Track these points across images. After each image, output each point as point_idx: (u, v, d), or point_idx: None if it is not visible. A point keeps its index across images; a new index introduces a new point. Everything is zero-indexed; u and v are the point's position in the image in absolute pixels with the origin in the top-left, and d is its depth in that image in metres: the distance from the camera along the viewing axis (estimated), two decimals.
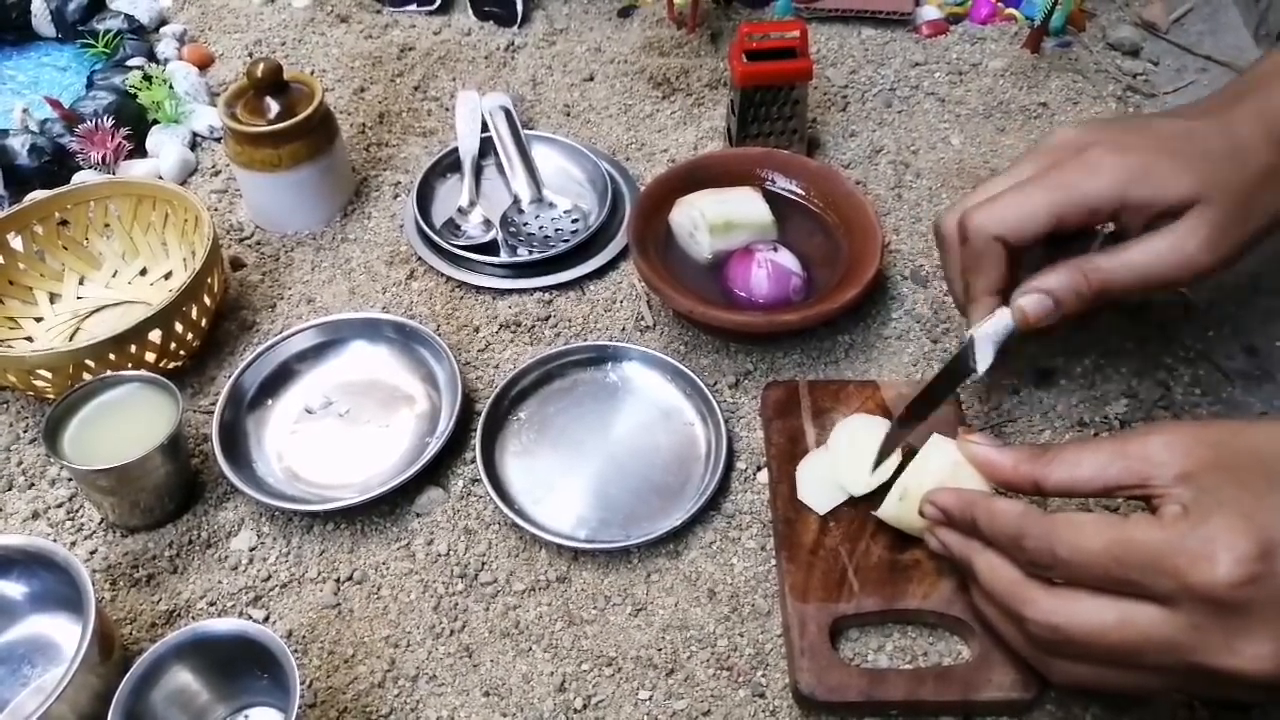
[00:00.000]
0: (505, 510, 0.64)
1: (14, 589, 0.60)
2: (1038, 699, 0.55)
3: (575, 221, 0.84)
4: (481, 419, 0.69)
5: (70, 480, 0.69)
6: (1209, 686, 0.46)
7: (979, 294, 0.62)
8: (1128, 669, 0.47)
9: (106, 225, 0.81)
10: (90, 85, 0.95)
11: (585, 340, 0.76)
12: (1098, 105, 0.92)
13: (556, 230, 0.84)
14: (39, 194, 0.82)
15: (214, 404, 0.71)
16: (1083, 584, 0.47)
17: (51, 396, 0.70)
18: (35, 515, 0.67)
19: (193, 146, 0.93)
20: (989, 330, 0.61)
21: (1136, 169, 0.58)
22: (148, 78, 0.93)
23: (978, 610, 0.54)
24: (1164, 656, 0.45)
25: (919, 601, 0.58)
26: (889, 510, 0.59)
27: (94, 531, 0.67)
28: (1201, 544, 0.44)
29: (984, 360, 0.61)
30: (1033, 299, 0.59)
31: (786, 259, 0.74)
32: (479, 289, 0.80)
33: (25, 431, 0.72)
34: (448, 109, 0.96)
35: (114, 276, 0.82)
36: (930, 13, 1.03)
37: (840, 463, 0.63)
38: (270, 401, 0.73)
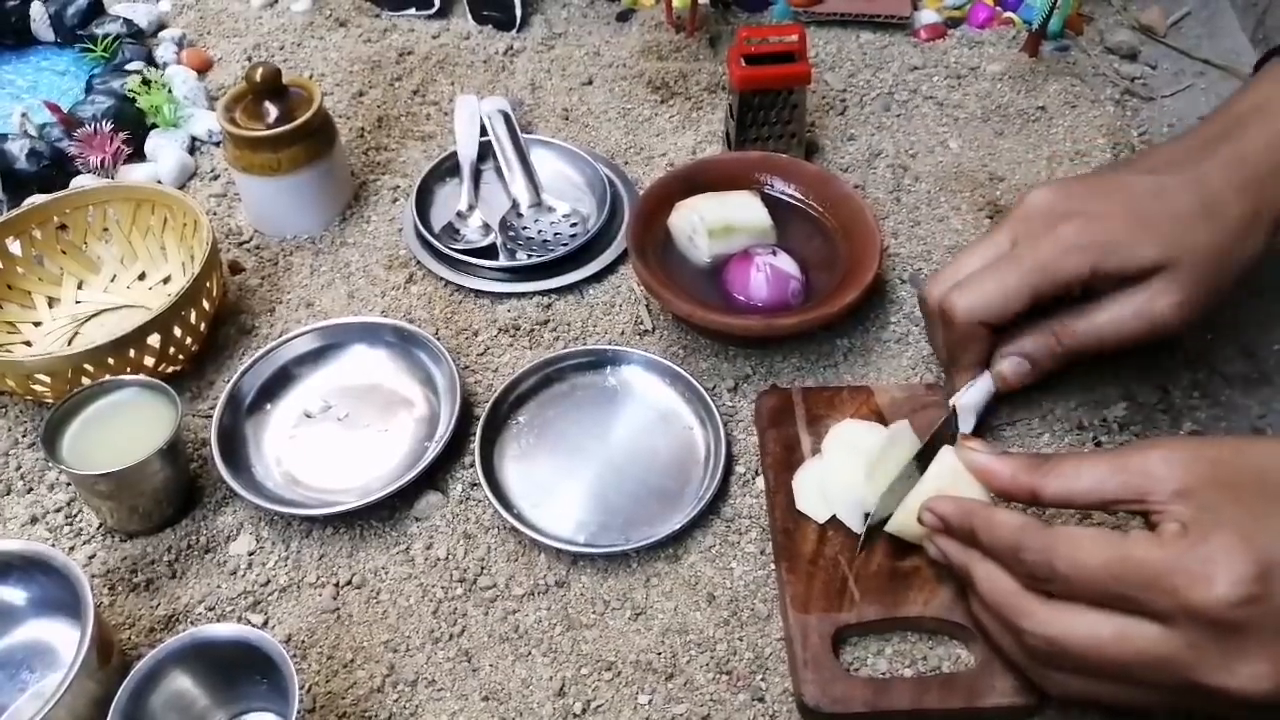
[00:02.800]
0: (504, 514, 0.64)
1: (12, 594, 0.60)
2: (1041, 705, 0.55)
3: (574, 225, 0.84)
4: (480, 423, 0.69)
5: (69, 485, 0.69)
6: (1204, 704, 0.45)
7: (963, 368, 0.66)
8: (1124, 683, 0.47)
9: (105, 230, 0.81)
10: (89, 89, 0.95)
11: (584, 344, 0.76)
12: (1095, 109, 0.93)
13: (555, 234, 0.84)
14: (37, 198, 0.82)
15: (213, 408, 0.71)
16: (1081, 599, 0.47)
17: (50, 401, 0.70)
18: (34, 520, 0.67)
19: (191, 151, 0.93)
20: (970, 400, 0.65)
21: (1107, 243, 0.59)
22: (146, 82, 0.93)
23: (976, 618, 0.54)
24: (1160, 673, 0.45)
25: (920, 609, 0.58)
26: (900, 523, 0.59)
27: (93, 536, 0.67)
28: (1199, 564, 0.44)
29: (966, 426, 0.64)
30: (1010, 363, 0.64)
31: (785, 263, 0.74)
32: (478, 293, 0.80)
33: (24, 436, 0.72)
34: (446, 113, 0.96)
35: (113, 281, 0.82)
36: (928, 17, 1.03)
37: (830, 485, 0.63)
38: (269, 406, 0.73)
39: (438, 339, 0.74)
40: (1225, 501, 0.45)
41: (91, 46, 1.00)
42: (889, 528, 0.60)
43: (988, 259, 0.63)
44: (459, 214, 0.86)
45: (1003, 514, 0.50)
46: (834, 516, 0.62)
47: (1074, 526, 0.50)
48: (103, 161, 0.87)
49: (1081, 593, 0.47)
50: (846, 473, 0.63)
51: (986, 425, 0.69)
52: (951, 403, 0.64)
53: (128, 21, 1.03)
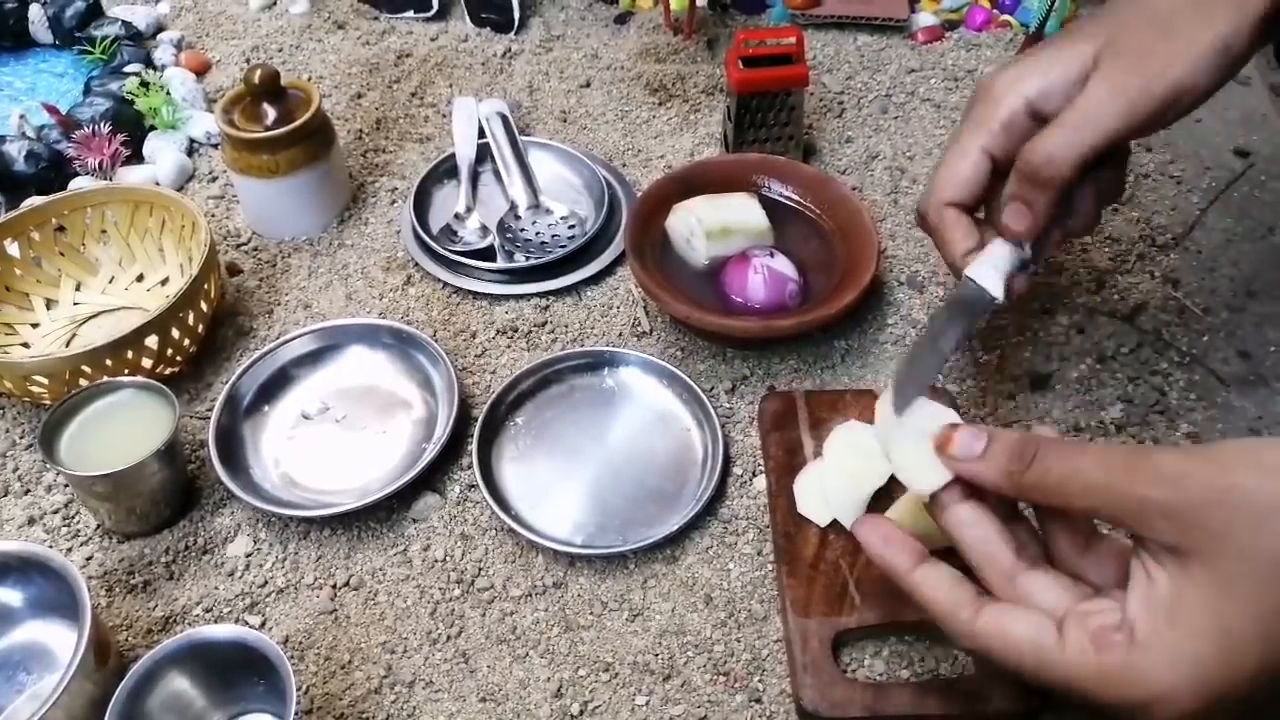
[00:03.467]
0: (502, 516, 0.64)
1: (10, 595, 0.60)
2: (1041, 710, 0.55)
3: (572, 227, 0.84)
4: (478, 425, 0.69)
5: (66, 486, 0.69)
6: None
7: (959, 255, 0.61)
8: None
9: (103, 231, 0.81)
10: (87, 91, 0.95)
11: (582, 346, 0.76)
12: None
13: (553, 236, 0.84)
14: (36, 200, 0.82)
15: (210, 410, 0.71)
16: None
17: (48, 402, 0.70)
18: (31, 521, 0.67)
19: (190, 152, 0.93)
20: (986, 264, 0.58)
21: (1035, 70, 0.57)
22: (145, 84, 0.93)
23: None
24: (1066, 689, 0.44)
25: (921, 612, 0.58)
26: (895, 519, 0.59)
27: (90, 537, 0.67)
28: (1147, 689, 0.41)
29: (994, 286, 0.58)
30: (1011, 211, 0.58)
31: (783, 265, 0.74)
32: (476, 295, 0.80)
33: (22, 437, 0.72)
34: (445, 115, 0.96)
35: (110, 282, 0.82)
36: (926, 19, 1.03)
37: (830, 487, 0.63)
38: (267, 407, 0.73)
39: (436, 340, 0.74)
40: (1215, 595, 0.40)
41: (90, 48, 1.00)
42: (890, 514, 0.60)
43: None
44: (457, 216, 0.86)
45: (932, 583, 0.48)
46: (835, 520, 0.62)
47: (1002, 618, 0.45)
48: (101, 163, 0.87)
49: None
50: (846, 475, 0.63)
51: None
52: (966, 272, 0.59)
53: (126, 24, 1.03)
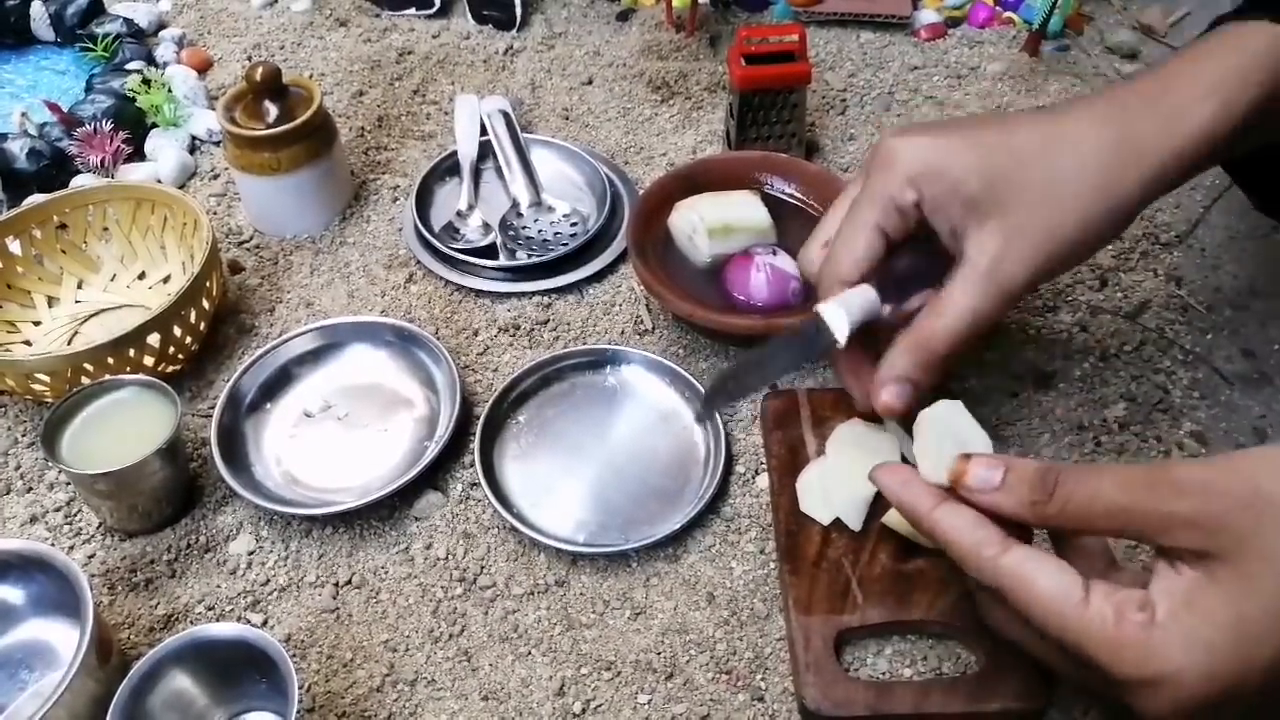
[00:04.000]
0: (504, 514, 0.64)
1: (12, 593, 0.60)
2: (1045, 709, 0.55)
3: (574, 225, 0.84)
4: (480, 423, 0.69)
5: (68, 484, 0.69)
6: (1109, 695, 0.45)
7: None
8: (1054, 655, 0.47)
9: (105, 229, 0.81)
10: (89, 89, 0.95)
11: (584, 344, 0.76)
12: None
13: (555, 234, 0.84)
14: (37, 198, 0.82)
15: (212, 408, 0.71)
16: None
17: (50, 400, 0.70)
18: (33, 519, 0.67)
19: (191, 150, 0.93)
20: (841, 300, 0.55)
21: (937, 169, 0.53)
22: (146, 81, 0.93)
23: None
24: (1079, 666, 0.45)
25: (924, 612, 0.58)
26: (897, 517, 0.59)
27: (92, 535, 0.67)
28: (1158, 667, 0.41)
29: (840, 331, 0.55)
30: (891, 391, 0.55)
31: (785, 262, 0.74)
32: (478, 293, 0.80)
33: (24, 435, 0.72)
34: (446, 113, 0.96)
35: (112, 280, 0.82)
36: (928, 16, 1.03)
37: (832, 485, 0.63)
38: (269, 405, 0.73)
39: (438, 339, 0.74)
40: (1229, 600, 0.41)
41: (91, 46, 1.00)
42: (887, 520, 0.60)
43: (838, 220, 0.58)
44: (459, 213, 0.86)
45: (953, 521, 0.47)
46: (838, 519, 0.62)
47: (1029, 561, 0.45)
48: (103, 161, 0.87)
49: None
50: (849, 473, 0.63)
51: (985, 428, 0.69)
52: (817, 309, 0.56)
53: (128, 21, 1.03)
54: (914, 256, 0.57)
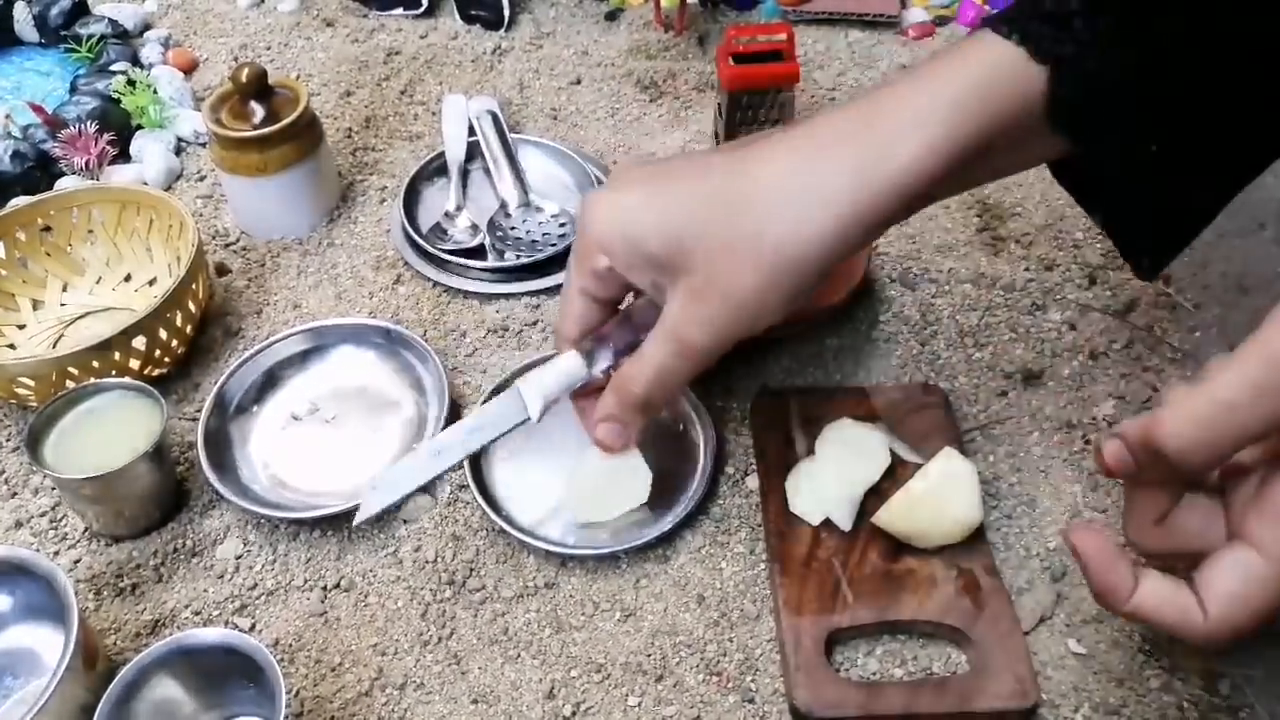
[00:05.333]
0: (493, 516, 0.64)
1: None
2: (1035, 708, 0.55)
3: (563, 225, 0.84)
4: None
5: (53, 489, 0.68)
6: None
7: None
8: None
9: (90, 231, 0.81)
10: (73, 90, 0.95)
11: None
12: None
13: (544, 234, 0.83)
14: (21, 200, 0.82)
15: (199, 411, 0.70)
16: None
17: (34, 404, 0.69)
18: (18, 524, 0.67)
19: (177, 152, 0.92)
20: (539, 378, 0.58)
21: (624, 232, 0.52)
22: (132, 82, 0.92)
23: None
24: None
25: (914, 611, 0.58)
26: (887, 517, 0.59)
27: (78, 541, 0.66)
28: None
29: (533, 408, 0.58)
30: (603, 430, 0.58)
31: None
32: (466, 294, 0.80)
33: (7, 440, 0.72)
34: (434, 113, 0.96)
35: (98, 283, 0.81)
36: (917, 15, 1.03)
37: (822, 484, 0.63)
38: (256, 408, 0.72)
39: (426, 340, 0.73)
40: None
41: (76, 47, 0.99)
42: (877, 520, 0.60)
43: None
44: (447, 214, 0.85)
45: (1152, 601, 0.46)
46: (828, 519, 0.62)
47: (1149, 603, 0.45)
48: (87, 163, 0.87)
49: None
50: (839, 473, 0.63)
51: (975, 425, 0.69)
52: (517, 383, 0.59)
53: (112, 22, 1.02)
54: (632, 316, 0.59)
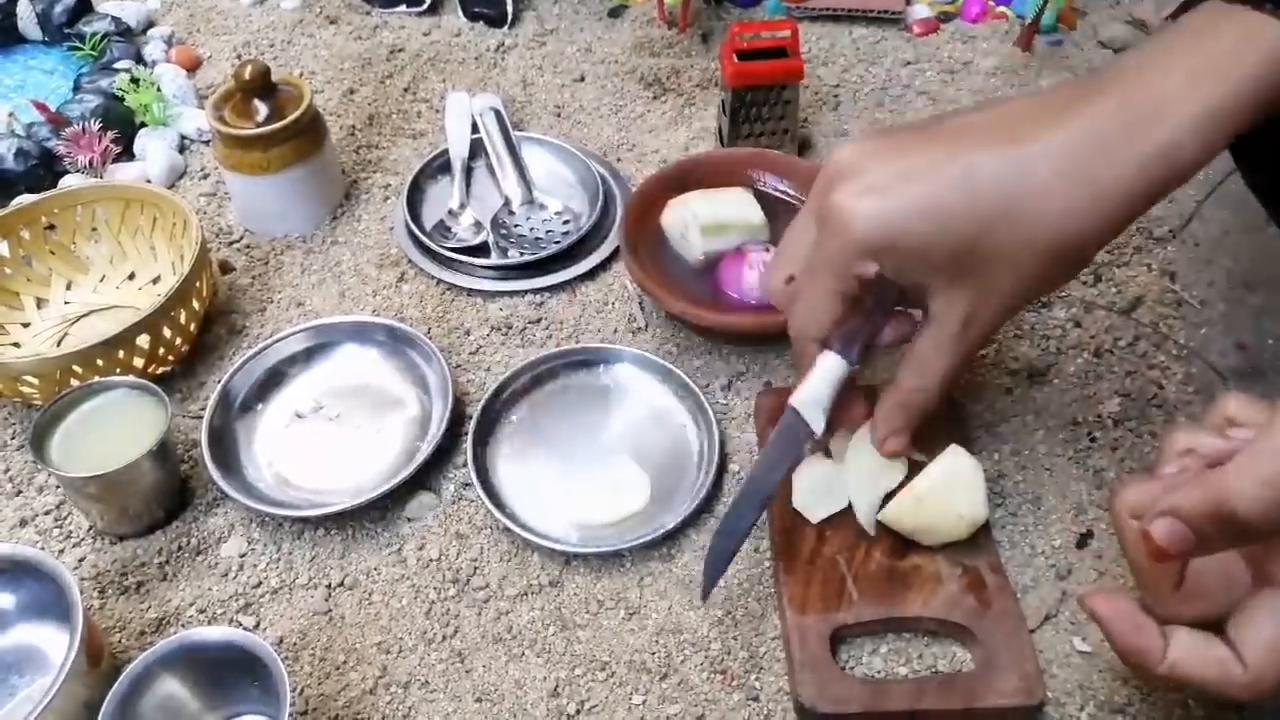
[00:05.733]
0: (497, 515, 0.64)
1: (1, 598, 0.59)
2: (1040, 706, 0.55)
3: (566, 223, 0.84)
4: (473, 422, 0.68)
5: (58, 487, 0.68)
6: None
7: (804, 367, 0.58)
8: None
9: (94, 230, 0.81)
10: (77, 88, 0.95)
11: (577, 342, 0.76)
12: None
13: (547, 232, 0.83)
14: (25, 198, 0.82)
15: (203, 409, 0.70)
16: None
17: (39, 403, 0.69)
18: (23, 523, 0.67)
19: (181, 149, 0.92)
20: (811, 395, 0.57)
21: (893, 244, 0.51)
22: (135, 80, 0.92)
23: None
24: None
25: (919, 609, 0.58)
26: (893, 514, 0.59)
27: (82, 539, 0.66)
28: None
29: (816, 421, 0.57)
30: (894, 443, 0.58)
31: None
32: (470, 291, 0.80)
33: (12, 438, 0.72)
34: (438, 110, 0.96)
35: (102, 281, 0.81)
36: (921, 11, 1.02)
37: (851, 487, 0.62)
38: (260, 406, 0.72)
39: (429, 338, 0.73)
40: None
41: (79, 45, 0.99)
42: (883, 517, 0.60)
43: (800, 250, 0.55)
44: (450, 212, 0.85)
45: (1189, 660, 0.46)
46: (832, 516, 0.62)
47: (1187, 664, 0.45)
48: (91, 161, 0.87)
49: None
50: (864, 474, 0.61)
51: (981, 424, 0.69)
52: (791, 402, 0.58)
53: (116, 19, 1.02)
54: (879, 307, 0.57)
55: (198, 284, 0.72)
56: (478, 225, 0.84)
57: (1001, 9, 1.03)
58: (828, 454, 0.64)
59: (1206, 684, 0.45)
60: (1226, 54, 0.49)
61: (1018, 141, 0.50)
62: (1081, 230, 0.50)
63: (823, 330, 0.56)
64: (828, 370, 0.57)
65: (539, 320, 0.77)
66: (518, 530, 0.63)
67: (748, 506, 0.58)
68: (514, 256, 0.81)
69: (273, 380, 0.73)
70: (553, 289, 0.79)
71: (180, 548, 0.65)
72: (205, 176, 0.90)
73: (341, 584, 0.63)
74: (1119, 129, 0.49)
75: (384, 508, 0.66)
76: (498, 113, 0.91)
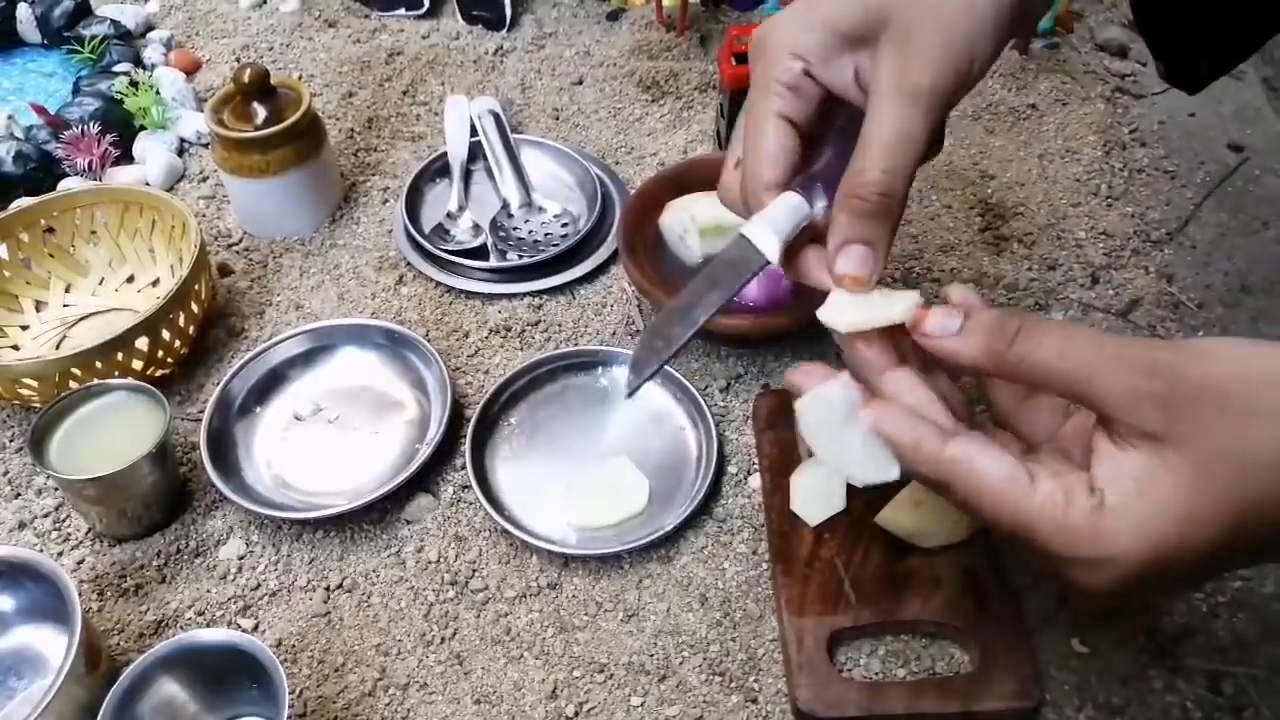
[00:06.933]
0: (496, 517, 0.64)
1: (0, 600, 0.59)
2: (1038, 708, 0.55)
3: (565, 225, 0.84)
4: (471, 425, 0.68)
5: (57, 490, 0.68)
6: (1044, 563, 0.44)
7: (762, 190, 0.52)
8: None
9: (93, 232, 0.81)
10: (76, 91, 0.95)
11: (575, 345, 0.76)
12: (1086, 106, 0.93)
13: (546, 234, 0.83)
14: (24, 201, 0.82)
15: (202, 412, 0.70)
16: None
17: (38, 405, 0.69)
18: (21, 525, 0.67)
19: (180, 152, 0.92)
20: (766, 218, 0.49)
21: (804, 25, 0.50)
22: (134, 83, 0.93)
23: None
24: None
25: (917, 611, 0.58)
26: (889, 516, 0.59)
27: (81, 541, 0.66)
28: (1096, 553, 0.42)
29: (770, 250, 0.49)
30: (847, 260, 0.49)
31: None
32: (468, 294, 0.80)
33: (11, 441, 0.72)
34: (436, 113, 0.96)
35: (101, 284, 0.81)
36: None
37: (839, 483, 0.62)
38: (259, 409, 0.72)
39: (428, 340, 0.73)
40: (1176, 470, 0.41)
41: (78, 48, 0.99)
42: (881, 519, 0.60)
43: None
44: (449, 215, 0.85)
45: (893, 417, 0.45)
46: (830, 519, 0.62)
47: (971, 448, 0.44)
48: (90, 164, 0.87)
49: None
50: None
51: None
52: (740, 230, 0.50)
53: (115, 23, 1.02)
54: (834, 144, 0.52)
55: (197, 287, 0.72)
56: (476, 228, 0.84)
57: None
58: None
59: (988, 492, 0.43)
60: None
61: None
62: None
63: (774, 165, 0.51)
64: (785, 204, 0.50)
65: (538, 323, 0.78)
66: (516, 532, 0.63)
67: (678, 321, 0.51)
68: (512, 259, 0.81)
69: (272, 382, 0.73)
70: (551, 291, 0.80)
71: (179, 550, 0.65)
72: (204, 179, 0.91)
73: (340, 586, 0.63)
74: None
75: (383, 510, 0.66)
76: (496, 115, 0.91)
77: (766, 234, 0.49)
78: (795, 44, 0.50)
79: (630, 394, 0.52)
